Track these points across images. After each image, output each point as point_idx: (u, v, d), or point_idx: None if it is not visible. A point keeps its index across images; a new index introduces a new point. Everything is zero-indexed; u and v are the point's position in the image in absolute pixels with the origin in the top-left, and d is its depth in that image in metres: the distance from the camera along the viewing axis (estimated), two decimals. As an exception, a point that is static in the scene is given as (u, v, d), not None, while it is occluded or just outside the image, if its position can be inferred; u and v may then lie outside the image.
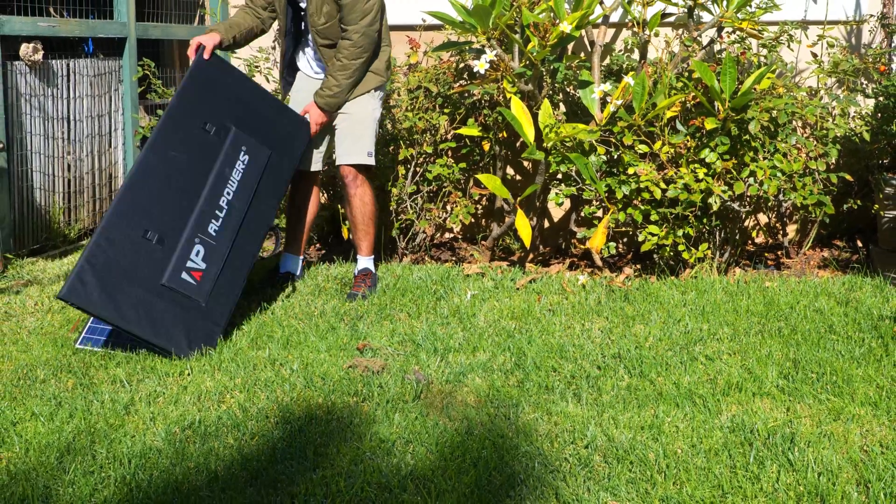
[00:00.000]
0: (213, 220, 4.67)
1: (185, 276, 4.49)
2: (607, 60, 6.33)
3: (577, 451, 3.44)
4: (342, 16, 5.07)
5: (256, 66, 6.86)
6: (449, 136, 6.27)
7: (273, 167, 5.01)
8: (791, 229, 6.44)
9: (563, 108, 6.30)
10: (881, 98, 6.07)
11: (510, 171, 6.54)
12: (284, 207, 5.78)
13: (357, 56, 5.10)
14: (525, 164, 6.48)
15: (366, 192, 5.35)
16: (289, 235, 5.62)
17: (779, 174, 5.40)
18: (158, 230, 4.50)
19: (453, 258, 6.42)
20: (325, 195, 6.51)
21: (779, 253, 6.36)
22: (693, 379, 4.05)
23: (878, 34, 6.53)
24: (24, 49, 6.15)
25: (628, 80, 5.49)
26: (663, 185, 5.37)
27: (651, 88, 5.52)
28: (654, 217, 5.46)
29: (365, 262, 5.47)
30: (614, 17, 6.47)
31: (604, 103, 5.69)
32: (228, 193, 4.77)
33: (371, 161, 5.33)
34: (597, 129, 5.52)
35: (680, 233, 5.46)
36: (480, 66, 5.61)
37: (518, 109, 5.46)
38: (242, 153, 4.89)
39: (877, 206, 6.06)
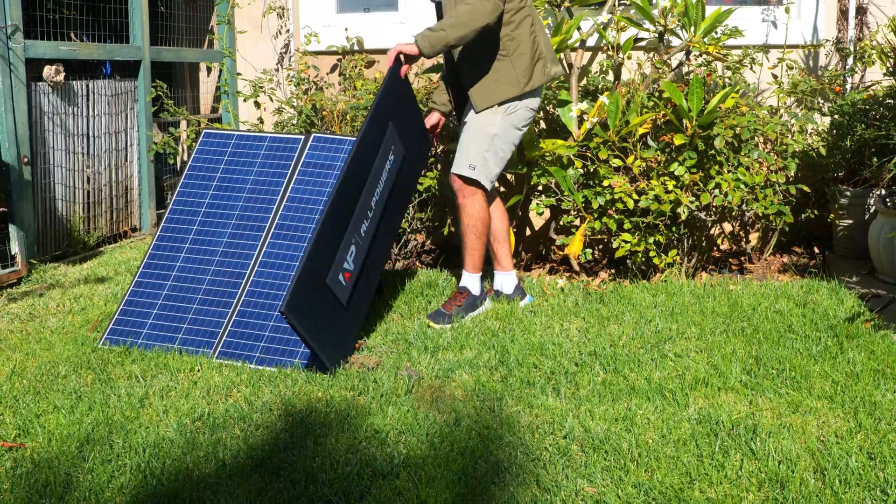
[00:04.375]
0: (365, 221, 4.48)
1: (340, 276, 4.31)
2: (584, 81, 6.34)
3: (556, 441, 3.45)
4: None
5: (261, 87, 6.86)
6: (439, 151, 6.27)
7: (404, 169, 4.76)
8: (753, 237, 6.45)
9: (543, 125, 6.31)
10: (836, 116, 6.10)
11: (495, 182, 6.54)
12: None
13: (464, 12, 4.45)
14: (508, 176, 6.49)
15: (470, 206, 4.84)
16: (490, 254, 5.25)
17: (742, 186, 5.41)
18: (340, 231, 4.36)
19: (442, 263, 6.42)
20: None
21: (742, 259, 6.37)
22: (663, 374, 4.05)
23: (834, 57, 6.55)
24: (47, 71, 6.16)
25: (603, 99, 5.50)
26: (636, 196, 5.38)
27: (624, 107, 5.53)
28: (627, 225, 5.46)
29: (464, 278, 4.97)
30: (591, 42, 6.49)
31: (581, 121, 5.70)
32: (377, 194, 4.58)
33: (471, 174, 4.78)
34: (574, 145, 5.53)
35: (651, 240, 5.46)
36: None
37: (502, 126, 5.47)
38: (391, 152, 4.71)
39: (832, 215, 6.09)
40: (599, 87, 6.24)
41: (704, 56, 6.11)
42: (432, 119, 5.15)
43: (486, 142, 4.80)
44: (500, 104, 4.78)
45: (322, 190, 4.93)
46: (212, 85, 8.29)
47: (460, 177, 4.84)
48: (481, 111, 4.78)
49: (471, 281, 4.97)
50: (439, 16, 4.95)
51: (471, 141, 4.82)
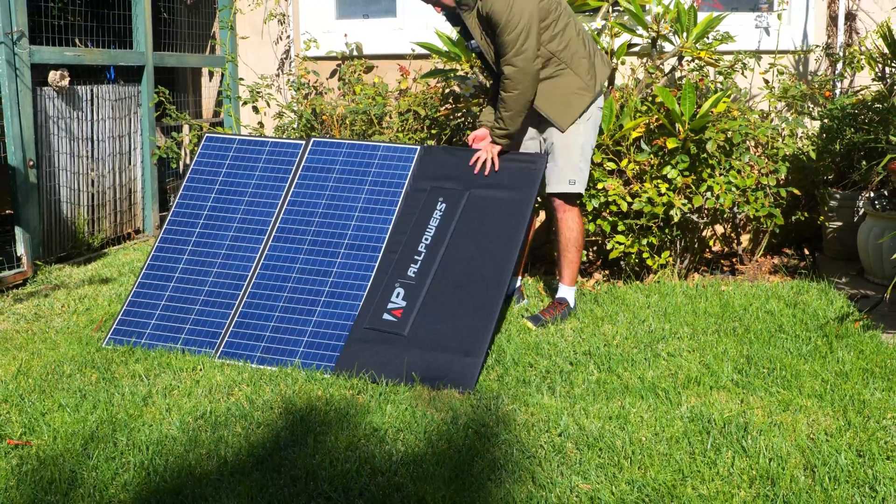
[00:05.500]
0: (412, 265, 4.53)
1: (386, 316, 4.36)
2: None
3: (551, 438, 3.45)
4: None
5: (259, 92, 6.86)
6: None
7: (476, 206, 4.70)
8: (744, 238, 6.45)
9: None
10: (826, 120, 6.10)
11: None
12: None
13: (510, 88, 4.55)
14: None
15: (571, 219, 4.88)
16: None
17: (733, 189, 5.41)
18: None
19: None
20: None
21: (733, 260, 6.38)
22: (656, 373, 4.06)
23: (823, 63, 6.56)
24: (53, 76, 6.16)
25: (598, 104, 5.50)
26: (629, 199, 5.38)
27: (618, 111, 5.53)
28: (620, 227, 5.47)
29: (563, 290, 4.97)
30: (585, 48, 6.49)
31: (576, 125, 5.70)
32: (426, 239, 4.61)
33: (572, 189, 4.80)
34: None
35: (644, 242, 5.47)
36: (466, 89, 5.62)
37: (499, 130, 5.46)
38: (440, 202, 4.75)
39: (822, 217, 6.09)
40: (594, 91, 6.25)
41: (697, 61, 6.12)
42: (479, 132, 5.02)
43: (577, 153, 4.80)
44: (580, 114, 4.77)
45: (321, 193, 4.93)
46: (214, 89, 8.30)
47: (559, 194, 4.84)
48: (567, 128, 4.78)
49: (568, 293, 4.96)
50: (485, 64, 4.90)
51: (565, 158, 4.79)
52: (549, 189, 4.89)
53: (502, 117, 4.62)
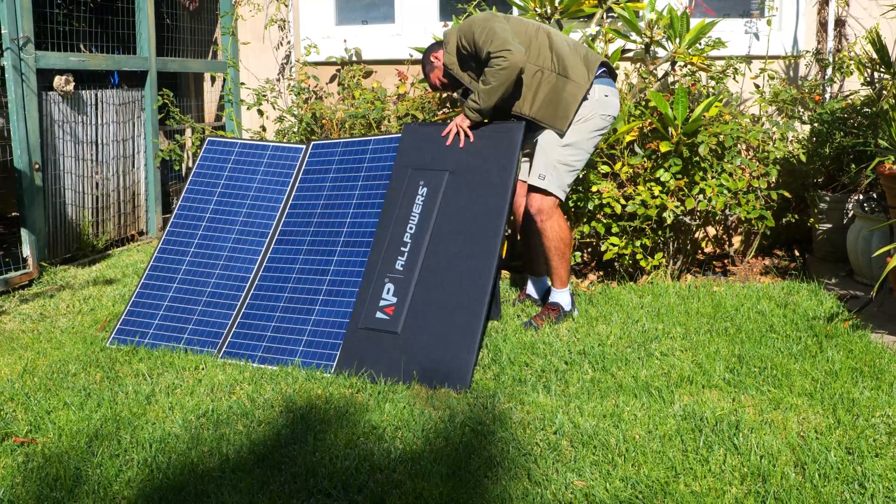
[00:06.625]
0: (399, 257, 4.45)
1: (378, 314, 4.31)
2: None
3: (546, 436, 3.45)
4: None
5: (264, 95, 6.86)
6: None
7: (456, 185, 4.57)
8: (736, 240, 6.46)
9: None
10: (816, 124, 6.10)
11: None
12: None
13: (494, 64, 4.41)
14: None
15: (550, 228, 4.70)
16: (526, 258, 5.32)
17: (725, 191, 5.42)
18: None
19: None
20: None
21: (725, 261, 6.38)
22: (649, 372, 4.06)
23: (814, 68, 6.56)
24: (58, 81, 6.16)
25: (593, 108, 5.50)
26: (623, 201, 5.39)
27: (613, 116, 5.54)
28: (614, 229, 5.47)
29: (554, 295, 4.91)
30: (580, 53, 6.49)
31: (571, 129, 5.70)
32: (411, 228, 4.51)
33: (541, 184, 4.63)
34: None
35: (638, 243, 5.47)
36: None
37: (495, 134, 5.47)
38: (421, 186, 4.62)
39: (812, 219, 6.09)
40: (588, 96, 6.25)
41: (689, 66, 6.12)
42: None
43: (556, 152, 4.65)
44: (575, 113, 4.64)
45: (320, 194, 4.93)
46: (216, 94, 8.30)
47: (532, 188, 4.71)
48: (566, 131, 4.65)
49: (559, 297, 4.90)
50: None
51: (540, 154, 4.67)
52: (526, 178, 4.79)
53: (480, 91, 4.50)
